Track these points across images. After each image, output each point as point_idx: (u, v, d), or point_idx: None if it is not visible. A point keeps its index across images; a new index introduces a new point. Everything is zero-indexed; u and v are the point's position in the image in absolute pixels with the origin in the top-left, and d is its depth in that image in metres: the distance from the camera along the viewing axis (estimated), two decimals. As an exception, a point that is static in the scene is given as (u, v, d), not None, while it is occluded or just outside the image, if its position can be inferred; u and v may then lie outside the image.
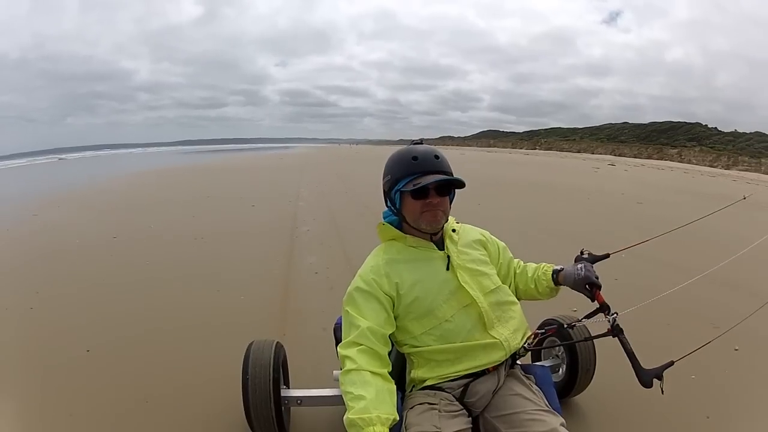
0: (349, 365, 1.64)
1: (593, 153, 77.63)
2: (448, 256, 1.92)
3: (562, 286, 2.12)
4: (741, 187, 21.72)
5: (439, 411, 1.76)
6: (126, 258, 6.53)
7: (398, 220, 1.94)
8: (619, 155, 74.10)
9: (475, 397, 1.85)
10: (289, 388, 2.46)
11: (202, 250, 6.94)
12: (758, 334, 3.36)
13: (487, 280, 1.96)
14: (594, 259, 2.09)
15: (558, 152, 78.35)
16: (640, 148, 79.58)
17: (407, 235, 1.92)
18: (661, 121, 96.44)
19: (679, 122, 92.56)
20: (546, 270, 2.13)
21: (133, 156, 63.06)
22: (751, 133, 77.14)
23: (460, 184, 1.86)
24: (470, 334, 1.85)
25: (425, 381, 1.87)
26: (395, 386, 1.68)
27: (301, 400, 2.40)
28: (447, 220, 1.94)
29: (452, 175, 1.85)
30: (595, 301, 1.95)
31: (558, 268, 2.10)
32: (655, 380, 1.66)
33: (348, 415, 1.50)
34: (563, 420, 1.72)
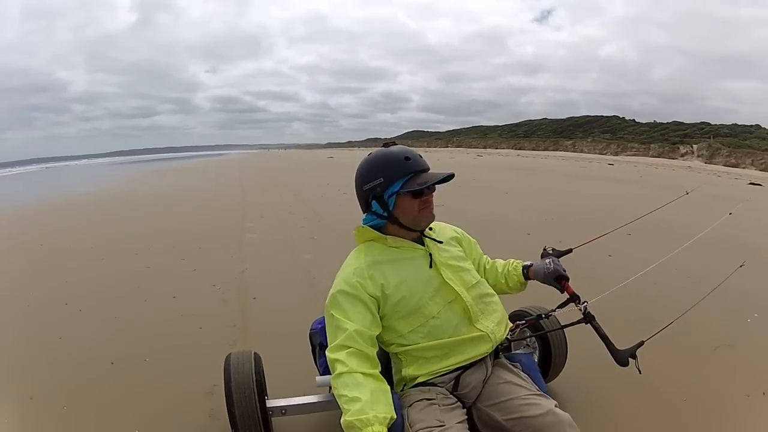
0: (340, 368, 1.67)
1: (497, 148, 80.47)
2: (430, 254, 1.99)
3: (530, 280, 2.27)
4: (594, 167, 29.77)
5: (439, 405, 1.80)
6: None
7: (382, 223, 1.97)
8: (520, 149, 76.87)
9: (467, 389, 1.90)
10: (268, 398, 2.44)
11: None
12: (711, 314, 3.81)
13: (468, 275, 2.05)
14: (559, 254, 2.28)
15: (465, 149, 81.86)
16: (538, 141, 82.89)
17: (387, 236, 1.96)
18: (579, 115, 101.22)
19: (596, 116, 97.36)
20: (516, 266, 2.27)
21: (54, 172, 54.56)
22: (669, 122, 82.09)
23: (451, 177, 1.91)
24: (457, 329, 1.92)
25: (417, 378, 1.91)
26: (388, 386, 1.73)
27: (285, 410, 2.39)
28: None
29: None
30: (565, 293, 2.13)
31: (527, 263, 2.26)
32: (631, 361, 1.83)
33: (345, 418, 1.54)
34: (556, 402, 1.79)
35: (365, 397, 1.57)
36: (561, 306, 2.19)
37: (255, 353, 2.47)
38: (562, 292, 2.16)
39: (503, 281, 2.28)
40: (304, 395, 2.44)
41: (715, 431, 2.65)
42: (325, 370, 2.17)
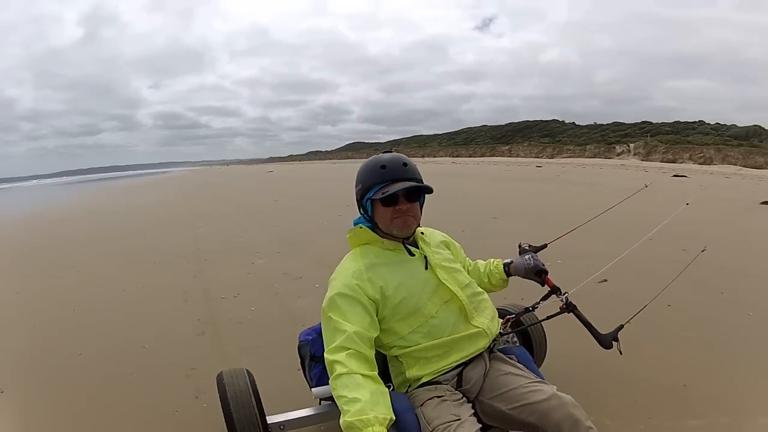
0: (339, 369, 1.69)
1: (434, 157, 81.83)
2: (425, 256, 2.06)
3: (512, 277, 2.43)
4: (521, 170, 32.56)
5: (450, 401, 1.87)
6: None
7: (371, 226, 2.04)
8: (457, 156, 78.52)
9: (469, 384, 1.97)
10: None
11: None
12: (683, 296, 4.33)
13: (461, 276, 2.13)
14: (536, 249, 2.42)
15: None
16: (476, 148, 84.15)
17: (384, 239, 2.02)
18: (519, 121, 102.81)
19: (535, 121, 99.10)
20: (497, 264, 2.43)
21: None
22: (609, 123, 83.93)
23: (428, 190, 1.99)
24: (455, 327, 1.99)
25: (421, 378, 1.95)
26: (386, 388, 1.76)
27: (283, 425, 2.35)
28: (418, 224, 2.08)
29: (421, 182, 2.00)
30: (545, 285, 2.29)
31: (507, 261, 2.42)
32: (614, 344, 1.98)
33: (345, 418, 1.56)
34: (556, 386, 1.87)
35: (365, 398, 1.59)
36: (544, 298, 2.29)
37: (247, 370, 2.43)
38: (542, 285, 2.31)
39: (486, 280, 2.41)
40: (299, 409, 2.42)
41: (696, 406, 2.84)
42: (319, 380, 2.29)
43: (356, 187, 2.02)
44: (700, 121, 78.93)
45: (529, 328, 2.76)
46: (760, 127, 72.34)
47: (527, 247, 2.40)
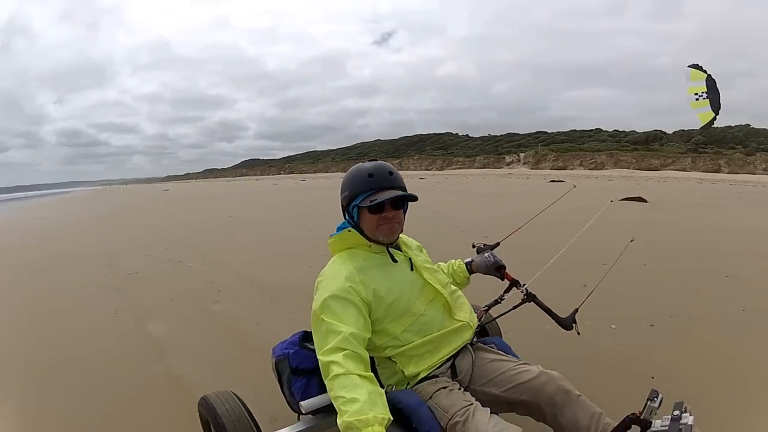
0: (336, 370, 1.66)
1: (326, 172, 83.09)
2: (410, 259, 2.12)
3: (473, 274, 2.55)
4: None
5: (456, 390, 1.93)
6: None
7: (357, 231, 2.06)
8: (347, 170, 78.34)
9: (462, 374, 2.06)
10: None
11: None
12: (615, 288, 4.89)
13: (441, 276, 2.21)
14: (491, 247, 2.58)
15: (297, 174, 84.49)
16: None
17: (371, 243, 2.04)
18: (413, 134, 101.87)
19: (429, 134, 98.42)
20: (460, 264, 2.56)
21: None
22: (503, 134, 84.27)
23: (413, 198, 2.02)
24: (442, 322, 2.06)
25: (418, 375, 1.98)
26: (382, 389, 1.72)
27: None
28: (401, 230, 2.10)
29: (405, 190, 2.03)
30: (504, 279, 2.45)
31: (468, 260, 2.56)
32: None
33: (344, 419, 1.53)
34: (541, 366, 2.02)
35: (363, 398, 1.57)
36: (507, 291, 2.45)
37: (233, 392, 2.31)
38: (502, 280, 2.45)
39: (451, 279, 2.42)
40: (288, 425, 2.27)
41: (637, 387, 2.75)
42: (304, 393, 2.17)
43: (342, 194, 2.04)
44: (597, 129, 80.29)
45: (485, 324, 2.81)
46: (660, 131, 73.97)
47: (482, 246, 2.58)
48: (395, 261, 2.07)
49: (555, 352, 3.29)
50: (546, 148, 68.97)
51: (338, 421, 1.54)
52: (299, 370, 2.20)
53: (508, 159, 66.38)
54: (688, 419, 1.66)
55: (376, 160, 2.08)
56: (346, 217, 2.07)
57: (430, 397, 1.89)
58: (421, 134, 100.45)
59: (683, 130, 71.36)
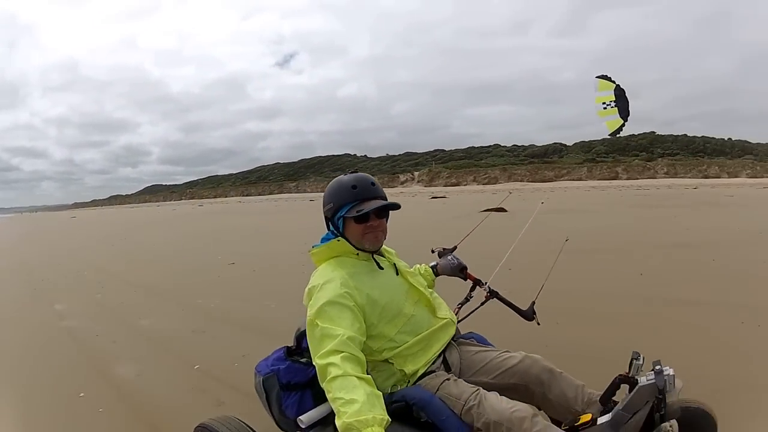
0: (334, 372, 1.67)
1: (225, 197, 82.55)
2: (395, 264, 2.18)
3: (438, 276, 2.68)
4: (294, 204, 38.84)
5: (459, 380, 1.98)
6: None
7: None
8: (246, 195, 79.63)
9: (454, 367, 2.11)
10: None
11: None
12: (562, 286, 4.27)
13: (421, 279, 2.29)
14: (451, 251, 2.70)
15: (198, 200, 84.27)
16: (265, 186, 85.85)
17: (359, 251, 2.08)
18: (311, 156, 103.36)
19: (328, 156, 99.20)
20: (426, 268, 2.65)
21: None
22: (400, 154, 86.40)
23: (396, 207, 2.08)
24: (429, 321, 2.13)
25: (417, 372, 2.02)
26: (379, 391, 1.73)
27: None
28: (385, 238, 2.15)
29: (386, 200, 2.08)
30: (467, 280, 2.61)
31: (433, 264, 2.68)
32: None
33: (343, 420, 1.53)
34: (523, 351, 2.13)
35: (362, 399, 1.57)
36: (471, 290, 2.61)
37: (237, 418, 2.35)
38: (465, 280, 2.61)
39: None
40: None
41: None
42: (299, 409, 2.07)
43: (326, 206, 2.09)
44: (495, 144, 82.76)
45: None
46: (560, 144, 77.73)
47: (442, 250, 2.71)
48: (381, 268, 2.13)
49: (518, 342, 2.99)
50: (441, 165, 70.66)
51: (337, 422, 1.55)
52: (291, 385, 2.12)
53: (402, 178, 67.66)
54: (669, 371, 1.87)
55: (357, 171, 2.14)
56: (330, 228, 2.13)
57: (437, 390, 1.94)
58: (320, 156, 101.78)
59: (584, 141, 76.35)
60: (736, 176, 53.60)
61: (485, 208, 15.07)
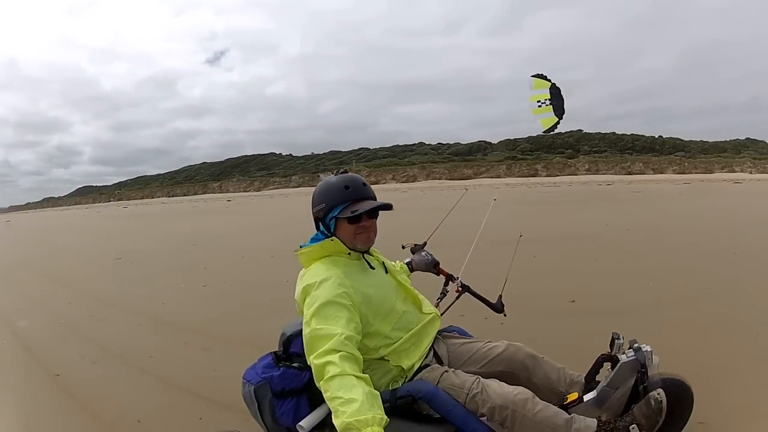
0: (332, 371, 1.66)
1: (152, 197, 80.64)
2: (383, 263, 2.26)
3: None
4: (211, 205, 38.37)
5: (457, 371, 2.04)
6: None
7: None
8: (172, 195, 78.38)
9: (443, 359, 2.20)
10: None
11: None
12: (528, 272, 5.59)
13: (405, 277, 2.45)
14: (422, 247, 2.80)
15: (125, 201, 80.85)
16: (190, 186, 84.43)
17: (350, 251, 2.10)
18: (238, 156, 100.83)
19: (253, 155, 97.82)
20: (402, 265, 2.69)
21: None
22: (326, 153, 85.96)
23: (389, 207, 2.11)
24: (418, 317, 2.20)
25: (413, 367, 2.06)
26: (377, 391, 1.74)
27: None
28: (376, 237, 2.18)
29: (376, 199, 2.13)
30: (440, 275, 2.72)
31: (408, 260, 2.75)
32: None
33: (343, 419, 1.53)
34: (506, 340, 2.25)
35: (361, 398, 1.57)
36: (445, 285, 2.71)
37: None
38: (438, 275, 2.72)
39: None
40: None
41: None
42: (295, 416, 2.01)
43: (317, 206, 2.10)
44: (420, 142, 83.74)
45: None
46: (485, 142, 79.66)
47: (414, 246, 2.81)
48: (372, 267, 2.17)
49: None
50: (362, 164, 71.00)
51: (335, 421, 1.55)
52: (286, 392, 2.05)
53: (323, 177, 66.15)
54: (646, 348, 2.04)
55: (347, 171, 2.18)
56: (321, 228, 2.12)
57: (438, 382, 1.98)
58: (245, 155, 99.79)
59: (509, 139, 78.25)
60: (662, 172, 56.32)
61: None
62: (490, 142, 79.28)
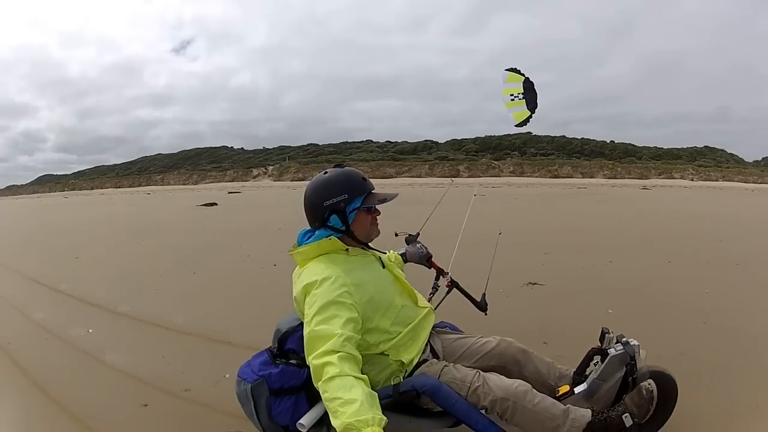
0: (331, 371, 1.63)
1: (102, 188, 77.85)
2: (380, 258, 2.23)
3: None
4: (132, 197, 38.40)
5: (457, 365, 2.10)
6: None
7: (340, 235, 2.07)
8: (119, 187, 76.40)
9: (440, 354, 2.24)
10: None
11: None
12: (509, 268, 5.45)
13: (400, 271, 2.34)
14: (415, 237, 2.80)
15: (78, 191, 78.10)
16: (135, 178, 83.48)
17: (349, 247, 2.08)
18: (191, 148, 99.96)
19: (205, 147, 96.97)
20: (397, 255, 2.65)
21: None
22: (274, 147, 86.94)
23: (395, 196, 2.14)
24: (415, 311, 2.19)
25: (413, 362, 2.06)
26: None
27: None
28: None
29: None
30: (431, 268, 2.71)
31: (402, 251, 2.70)
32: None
33: (342, 420, 1.49)
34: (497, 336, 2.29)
35: (361, 399, 1.54)
36: (436, 279, 2.70)
37: None
38: (429, 268, 2.70)
39: None
40: None
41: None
42: (294, 414, 1.96)
43: (336, 197, 2.02)
44: (368, 140, 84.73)
45: None
46: (431, 141, 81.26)
47: (409, 236, 2.79)
48: (381, 260, 2.20)
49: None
50: (292, 161, 71.60)
51: (335, 422, 1.51)
52: (284, 390, 1.98)
53: (255, 172, 68.12)
54: (633, 341, 2.14)
55: (343, 165, 2.13)
56: (330, 223, 2.05)
57: (439, 376, 1.99)
58: (198, 148, 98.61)
59: (455, 139, 79.51)
60: (591, 176, 57.63)
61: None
62: (437, 141, 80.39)
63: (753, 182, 54.12)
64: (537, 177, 56.93)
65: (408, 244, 2.74)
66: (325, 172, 2.09)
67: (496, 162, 64.64)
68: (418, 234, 2.82)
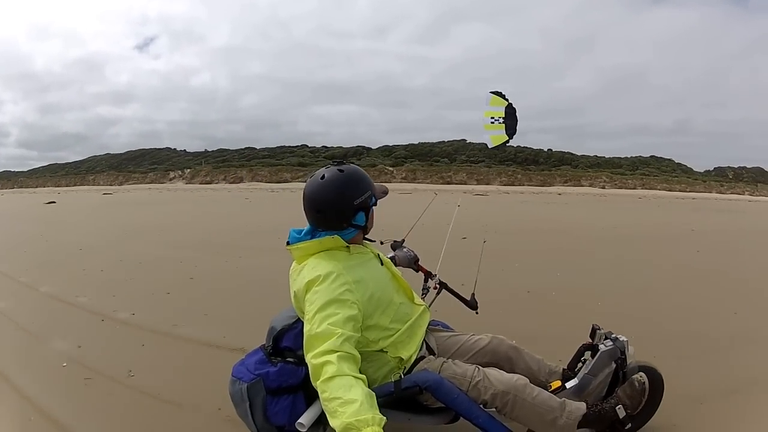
0: (331, 371, 1.57)
1: (45, 187, 75.44)
2: (378, 255, 2.17)
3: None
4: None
5: (456, 361, 2.10)
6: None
7: (354, 231, 2.07)
8: (57, 186, 75.10)
9: (436, 351, 2.21)
10: None
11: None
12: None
13: (396, 269, 2.26)
14: (401, 243, 2.80)
15: (31, 189, 76.06)
16: (71, 178, 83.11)
17: (350, 245, 2.02)
18: (136, 149, 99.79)
19: (148, 149, 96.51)
20: (387, 260, 2.34)
21: None
22: (214, 150, 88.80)
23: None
24: (411, 308, 2.16)
25: (411, 358, 2.04)
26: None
27: None
28: None
29: None
30: (419, 272, 2.70)
31: (391, 255, 2.63)
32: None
33: (342, 420, 1.44)
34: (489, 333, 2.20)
35: (361, 399, 1.49)
36: (425, 281, 2.68)
37: None
38: (417, 272, 2.67)
39: None
40: None
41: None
42: (291, 414, 1.91)
43: (362, 195, 1.98)
44: (302, 144, 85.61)
45: None
46: (363, 147, 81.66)
47: (394, 242, 2.79)
48: (379, 258, 2.14)
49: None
50: (209, 165, 73.90)
51: (334, 422, 1.43)
52: (282, 389, 1.92)
53: (171, 175, 70.08)
54: (622, 337, 2.14)
55: (344, 162, 2.03)
56: (355, 220, 2.00)
57: (440, 371, 1.96)
58: (143, 149, 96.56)
59: (387, 145, 79.29)
60: (488, 183, 58.82)
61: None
62: (369, 147, 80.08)
63: (688, 191, 52.53)
64: (428, 183, 57.49)
65: (395, 250, 2.64)
66: (341, 171, 1.94)
67: (389, 168, 66.36)
68: (404, 240, 2.76)
